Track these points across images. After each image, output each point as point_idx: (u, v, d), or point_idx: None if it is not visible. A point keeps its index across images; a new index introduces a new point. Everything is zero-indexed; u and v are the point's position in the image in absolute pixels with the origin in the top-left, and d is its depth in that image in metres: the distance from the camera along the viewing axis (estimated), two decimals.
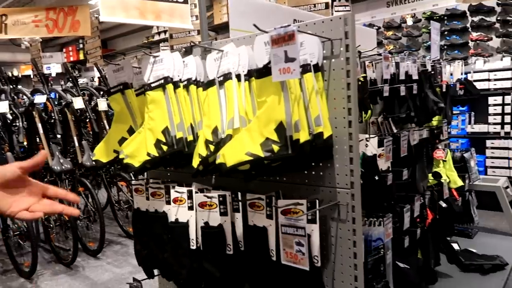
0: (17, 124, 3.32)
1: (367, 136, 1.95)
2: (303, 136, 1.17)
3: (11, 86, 3.63)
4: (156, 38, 8.91)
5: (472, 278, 2.59)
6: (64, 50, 11.32)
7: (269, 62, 1.22)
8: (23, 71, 10.66)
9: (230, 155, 1.22)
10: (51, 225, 3.56)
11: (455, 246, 2.82)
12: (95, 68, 5.91)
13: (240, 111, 1.35)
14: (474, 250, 2.90)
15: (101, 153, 1.71)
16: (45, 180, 3.51)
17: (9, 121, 3.32)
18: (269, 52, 1.23)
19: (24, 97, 3.78)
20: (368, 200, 1.67)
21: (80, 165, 3.48)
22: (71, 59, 10.99)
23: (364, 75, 2.25)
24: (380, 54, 2.30)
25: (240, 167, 1.21)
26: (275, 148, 1.17)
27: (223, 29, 7.70)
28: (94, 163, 1.80)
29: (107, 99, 3.68)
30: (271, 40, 1.19)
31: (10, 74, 4.48)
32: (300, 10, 2.68)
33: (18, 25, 6.03)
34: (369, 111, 2.18)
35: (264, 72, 1.27)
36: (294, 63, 1.15)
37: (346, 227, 1.28)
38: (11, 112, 3.28)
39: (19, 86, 3.67)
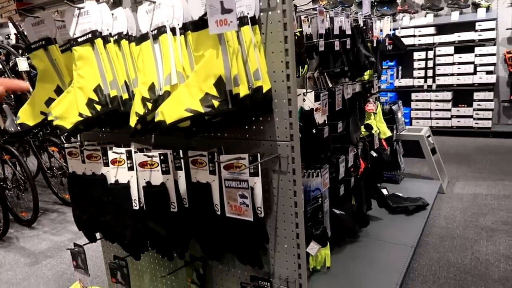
0: None
1: (304, 90, 1.99)
2: (243, 90, 1.16)
3: None
4: None
5: (399, 218, 2.86)
6: None
7: (205, 14, 1.18)
8: None
9: (169, 112, 1.19)
10: None
11: (384, 191, 3.07)
12: (10, 24, 5.32)
13: (177, 66, 1.31)
14: (400, 194, 3.18)
15: (27, 116, 1.58)
16: None
17: None
18: (204, 3, 1.18)
19: None
20: (306, 152, 1.74)
21: (3, 131, 3.21)
22: None
23: (300, 29, 2.27)
24: (315, 9, 2.31)
25: (180, 124, 1.18)
26: (215, 103, 1.16)
27: None
28: (18, 127, 1.67)
29: (28, 58, 3.37)
30: None
31: None
32: None
33: None
34: (306, 66, 2.22)
35: (200, 24, 1.22)
36: (231, 14, 1.12)
37: (287, 178, 1.33)
38: None
39: None
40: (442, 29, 5.88)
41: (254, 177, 1.23)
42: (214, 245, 1.42)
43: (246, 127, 1.39)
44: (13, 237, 3.39)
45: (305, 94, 1.97)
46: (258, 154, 1.24)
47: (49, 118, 1.44)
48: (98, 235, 1.75)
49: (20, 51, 3.76)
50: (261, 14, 1.29)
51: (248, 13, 1.24)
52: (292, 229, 1.38)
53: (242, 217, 1.27)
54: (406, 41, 5.79)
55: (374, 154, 2.81)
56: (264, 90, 1.24)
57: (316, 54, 2.33)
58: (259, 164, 1.23)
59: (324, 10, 2.31)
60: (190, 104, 1.17)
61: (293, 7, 1.98)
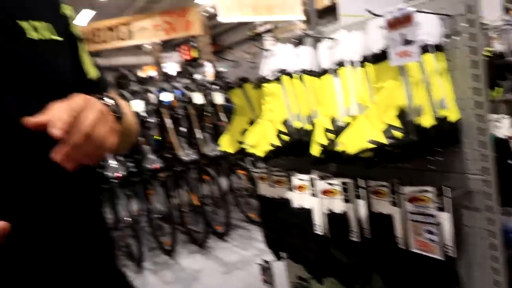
0: (150, 120, 3.77)
1: (497, 116, 1.78)
2: (427, 120, 1.14)
3: (142, 87, 4.12)
4: (260, 29, 9.14)
5: None
6: (179, 49, 12.29)
7: (385, 47, 1.20)
8: (146, 71, 11.91)
9: (351, 143, 1.24)
10: (185, 210, 3.97)
11: None
12: (208, 63, 6.34)
13: (357, 98, 1.36)
14: None
15: (228, 145, 1.87)
16: (174, 169, 3.93)
17: (143, 119, 3.80)
18: (384, 36, 1.21)
19: (153, 95, 4.26)
20: (502, 186, 1.54)
21: (203, 156, 3.80)
22: (186, 57, 11.90)
23: (490, 48, 2.06)
24: (509, 23, 2.07)
25: (362, 154, 1.22)
26: (398, 134, 1.16)
27: (326, 13, 7.58)
28: (220, 153, 1.98)
29: (225, 93, 3.94)
30: (386, 24, 1.17)
31: (140, 75, 5.05)
32: None
33: (141, 31, 6.80)
34: (498, 89, 1.99)
35: (380, 57, 1.26)
36: (413, 46, 1.12)
37: (481, 216, 1.21)
38: (144, 110, 3.74)
39: (149, 87, 4.13)
40: None
41: (441, 212, 1.17)
42: (397, 280, 1.39)
43: (430, 158, 1.33)
44: (211, 247, 3.93)
45: (498, 120, 1.76)
46: (446, 188, 1.18)
47: (244, 147, 1.67)
48: (282, 254, 1.89)
49: (217, 87, 4.40)
50: (445, 40, 1.24)
51: (430, 41, 1.21)
52: (490, 275, 1.23)
53: (429, 254, 1.21)
54: None
55: None
56: (451, 120, 1.18)
57: (510, 74, 2.06)
58: (447, 199, 1.16)
59: None
60: (372, 135, 1.20)
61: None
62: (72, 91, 0.68)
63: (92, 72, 0.86)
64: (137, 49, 11.51)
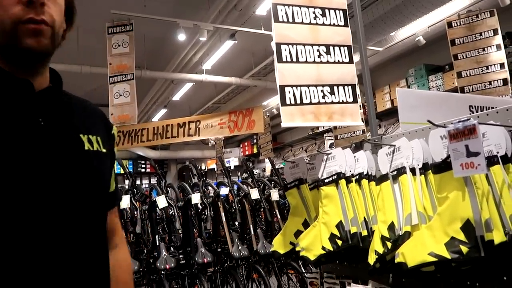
0: (206, 213, 3.82)
1: None
2: (498, 236, 1.05)
3: (203, 179, 4.28)
4: (320, 129, 9.39)
5: None
6: (241, 145, 12.85)
7: (448, 157, 1.18)
8: (209, 165, 12.46)
9: (410, 255, 1.17)
10: None
11: None
12: (266, 160, 6.53)
13: (417, 206, 1.30)
14: None
15: (279, 245, 1.83)
16: (226, 265, 3.84)
17: (199, 210, 3.87)
18: (446, 145, 1.19)
19: (210, 188, 4.37)
20: None
21: (255, 253, 3.71)
22: (247, 153, 12.35)
23: None
24: None
25: (423, 268, 1.14)
26: (464, 249, 1.07)
27: (386, 115, 7.69)
28: (269, 251, 1.93)
29: (278, 190, 3.95)
30: (449, 135, 1.16)
31: (203, 168, 5.30)
32: (475, 96, 2.53)
33: (208, 128, 7.28)
34: None
35: (442, 167, 1.22)
36: (478, 157, 1.09)
37: None
38: (201, 202, 3.83)
39: (209, 180, 4.29)
40: None
41: None
42: None
43: (505, 278, 1.19)
44: None
45: None
46: None
47: (297, 249, 1.62)
48: None
49: (273, 183, 4.46)
50: None
51: (497, 152, 1.16)
52: None
53: None
54: None
55: None
56: None
57: None
58: None
59: None
60: (434, 248, 1.12)
61: None
62: (106, 195, 0.93)
63: (113, 186, 1.02)
64: (202, 144, 12.24)
